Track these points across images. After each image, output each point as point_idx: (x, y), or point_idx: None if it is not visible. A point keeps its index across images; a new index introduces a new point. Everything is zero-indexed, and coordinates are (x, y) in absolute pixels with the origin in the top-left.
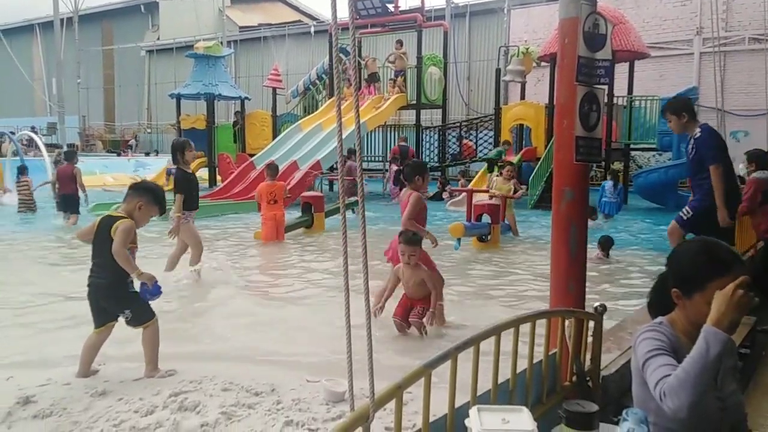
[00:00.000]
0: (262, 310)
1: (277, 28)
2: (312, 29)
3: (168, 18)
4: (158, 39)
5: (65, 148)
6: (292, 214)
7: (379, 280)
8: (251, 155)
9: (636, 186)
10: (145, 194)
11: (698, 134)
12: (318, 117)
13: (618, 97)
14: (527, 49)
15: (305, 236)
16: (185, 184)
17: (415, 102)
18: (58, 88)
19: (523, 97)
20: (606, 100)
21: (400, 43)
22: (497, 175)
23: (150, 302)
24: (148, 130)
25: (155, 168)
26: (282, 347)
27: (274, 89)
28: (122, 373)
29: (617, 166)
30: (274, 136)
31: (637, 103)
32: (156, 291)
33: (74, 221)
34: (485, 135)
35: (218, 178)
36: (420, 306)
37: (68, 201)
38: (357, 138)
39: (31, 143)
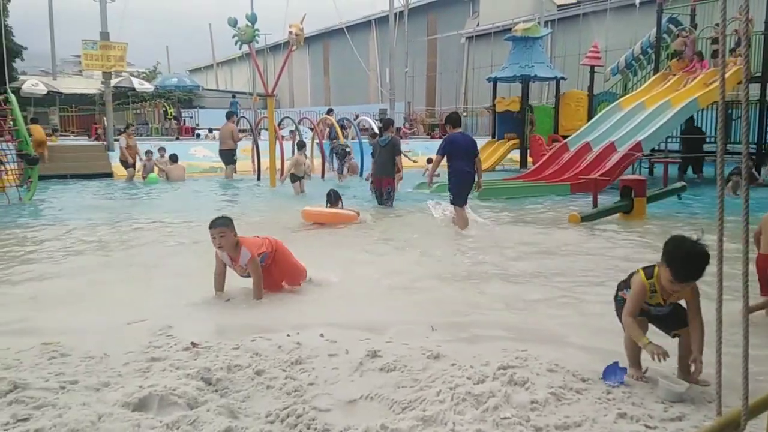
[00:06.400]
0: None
1: (598, 2)
2: (637, 0)
3: (488, 4)
4: (477, 25)
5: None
6: (610, 198)
7: None
8: (564, 137)
9: None
10: None
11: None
12: (641, 95)
13: None
14: None
15: (622, 222)
16: None
17: (760, 75)
18: (391, 76)
19: None
20: None
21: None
22: None
23: None
24: (464, 114)
25: None
26: (599, 335)
27: (592, 67)
28: (452, 338)
29: None
30: (590, 117)
31: None
32: None
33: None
34: None
35: (529, 159)
36: None
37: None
38: (721, 117)
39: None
